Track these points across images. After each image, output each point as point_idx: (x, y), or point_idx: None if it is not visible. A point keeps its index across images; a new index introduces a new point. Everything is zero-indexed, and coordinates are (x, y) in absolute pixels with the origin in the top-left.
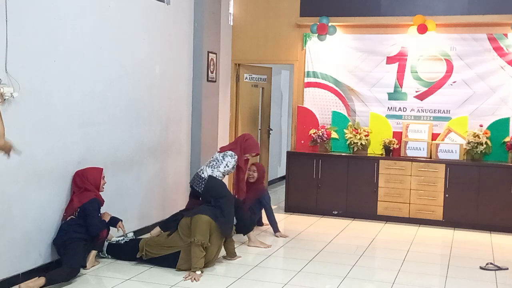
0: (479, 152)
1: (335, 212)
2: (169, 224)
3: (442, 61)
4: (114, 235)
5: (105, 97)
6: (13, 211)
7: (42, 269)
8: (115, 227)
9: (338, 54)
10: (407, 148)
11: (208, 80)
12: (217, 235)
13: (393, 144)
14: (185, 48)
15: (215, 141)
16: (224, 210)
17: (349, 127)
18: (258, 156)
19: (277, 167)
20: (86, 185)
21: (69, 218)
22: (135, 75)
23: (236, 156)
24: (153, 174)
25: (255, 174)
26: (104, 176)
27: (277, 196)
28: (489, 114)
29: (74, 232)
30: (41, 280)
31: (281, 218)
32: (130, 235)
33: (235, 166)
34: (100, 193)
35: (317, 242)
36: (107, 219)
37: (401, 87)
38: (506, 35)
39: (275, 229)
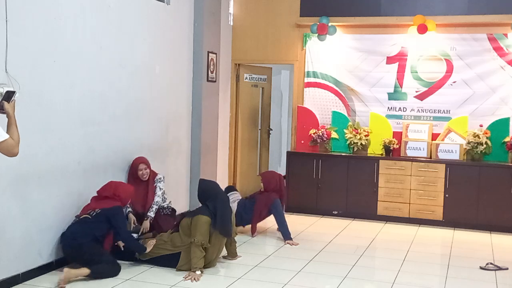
0: (479, 152)
1: (335, 212)
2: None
3: (442, 61)
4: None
5: (105, 97)
6: (13, 211)
7: (42, 269)
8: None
9: (338, 54)
10: (407, 148)
11: (208, 80)
12: (217, 236)
13: (393, 144)
14: (185, 48)
15: (215, 141)
16: (218, 211)
17: (349, 127)
18: (259, 157)
19: (277, 167)
20: (110, 194)
21: (83, 216)
22: (135, 75)
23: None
24: None
25: (261, 185)
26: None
27: None
28: (489, 114)
29: (85, 235)
30: (85, 270)
31: None
32: (134, 236)
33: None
34: None
35: (317, 242)
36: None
37: (401, 87)
38: (506, 35)
39: (286, 236)
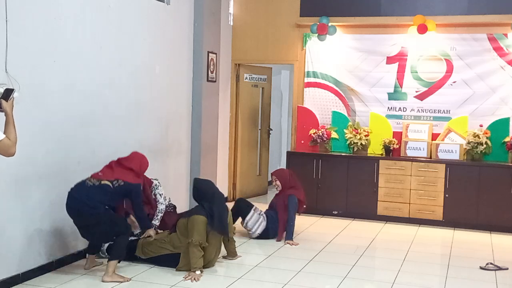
0: (479, 152)
1: (335, 212)
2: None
3: (442, 61)
4: None
5: (105, 97)
6: (13, 211)
7: (42, 269)
8: None
9: (338, 54)
10: (407, 148)
11: (208, 80)
12: (214, 235)
13: (393, 144)
14: (185, 48)
15: (215, 141)
16: (216, 211)
17: (349, 127)
18: (259, 157)
19: (277, 167)
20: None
21: (104, 182)
22: (135, 75)
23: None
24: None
25: (278, 183)
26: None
27: None
28: (489, 114)
29: (102, 204)
30: (114, 263)
31: None
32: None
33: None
34: None
35: (317, 242)
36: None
37: (401, 87)
38: (506, 35)
39: (288, 235)
